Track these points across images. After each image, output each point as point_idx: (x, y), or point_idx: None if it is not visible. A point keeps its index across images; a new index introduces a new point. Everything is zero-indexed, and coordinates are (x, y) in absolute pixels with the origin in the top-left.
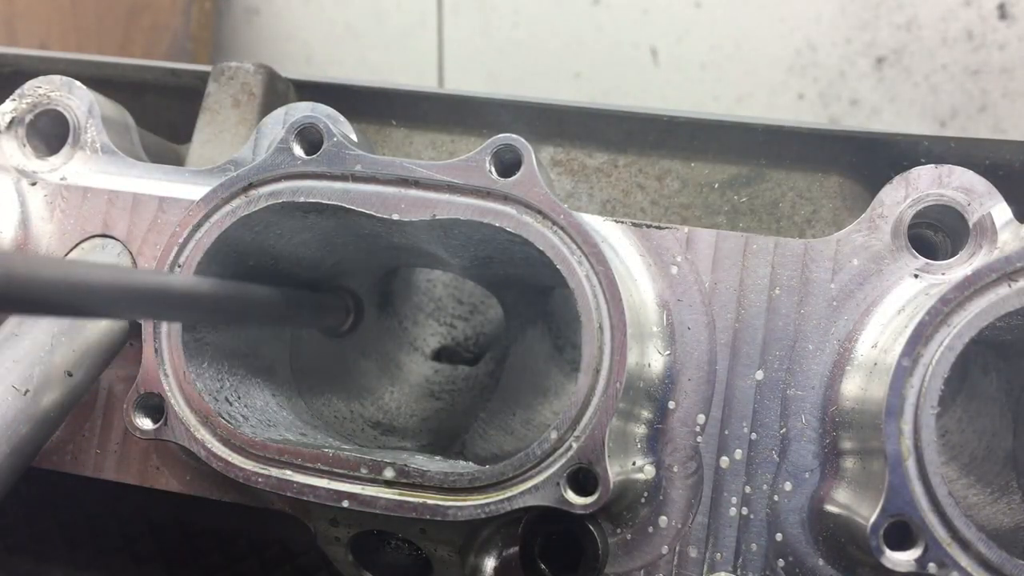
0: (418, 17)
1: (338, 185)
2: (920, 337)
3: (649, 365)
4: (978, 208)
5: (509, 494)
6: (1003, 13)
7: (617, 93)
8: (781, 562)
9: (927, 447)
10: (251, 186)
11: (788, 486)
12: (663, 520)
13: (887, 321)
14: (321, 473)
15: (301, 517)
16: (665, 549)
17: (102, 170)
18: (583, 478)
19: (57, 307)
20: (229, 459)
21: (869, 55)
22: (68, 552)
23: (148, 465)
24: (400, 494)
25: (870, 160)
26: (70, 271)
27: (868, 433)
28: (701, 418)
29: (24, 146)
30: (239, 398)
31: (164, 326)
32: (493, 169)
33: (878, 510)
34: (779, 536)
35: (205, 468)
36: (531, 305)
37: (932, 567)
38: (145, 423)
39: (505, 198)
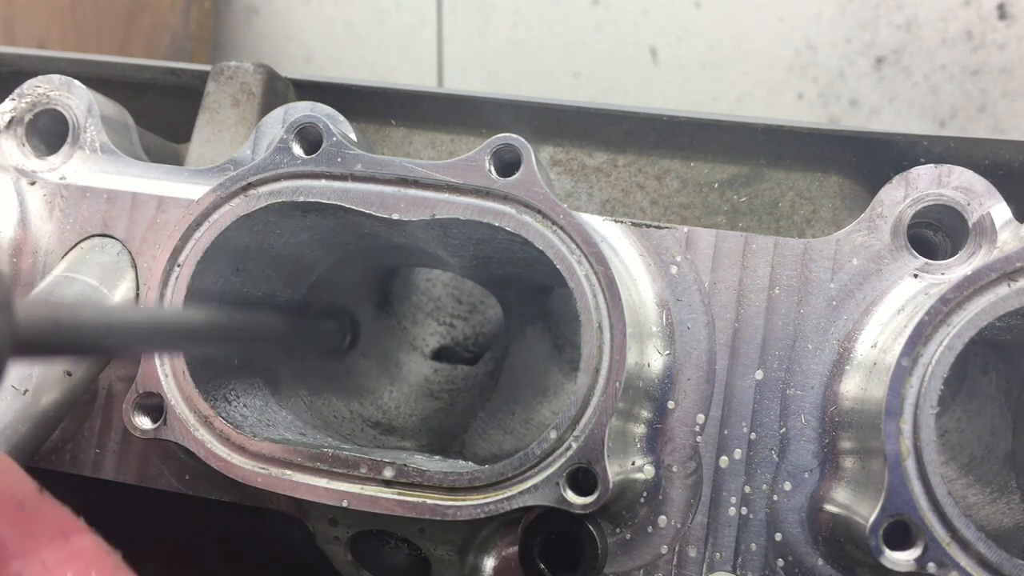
0: (418, 17)
1: (338, 185)
2: (920, 337)
3: (648, 365)
4: (978, 208)
5: (508, 494)
6: (1003, 13)
7: (617, 93)
8: (780, 562)
9: (926, 447)
10: (250, 186)
11: (787, 486)
12: (662, 520)
13: (886, 321)
14: (320, 473)
15: (300, 517)
16: (664, 549)
17: (101, 170)
18: (582, 478)
19: (47, 349)
20: (228, 459)
21: (868, 55)
22: None
23: (147, 465)
24: (399, 494)
25: (870, 160)
26: (58, 313)
27: (867, 433)
28: (700, 418)
29: (23, 145)
30: (238, 397)
31: None
32: (492, 169)
33: (877, 510)
34: (778, 536)
35: (204, 468)
36: (530, 305)
37: (931, 567)
38: (144, 423)
39: (504, 198)
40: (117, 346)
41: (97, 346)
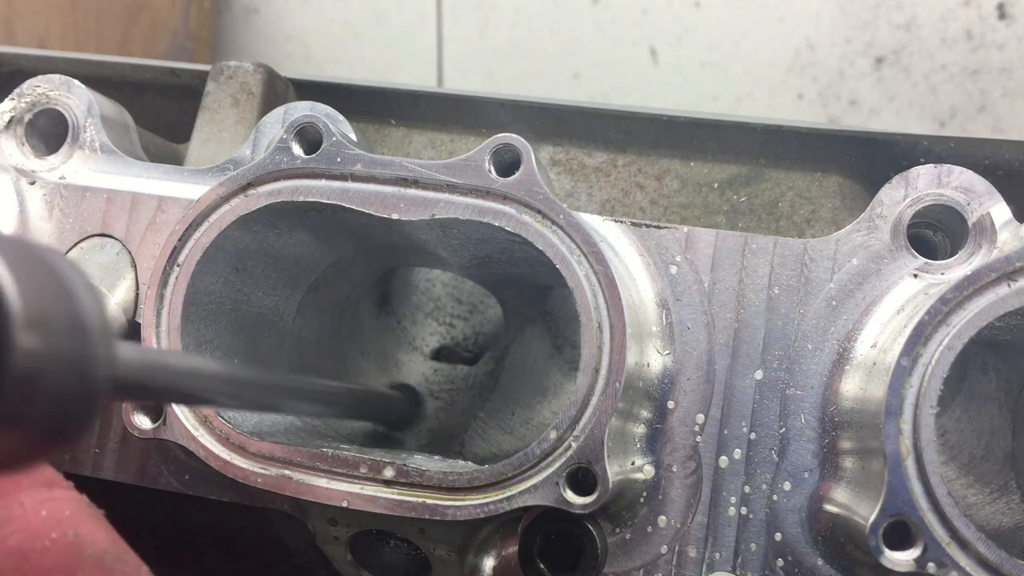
0: (417, 17)
1: (337, 184)
2: (919, 337)
3: (648, 365)
4: (977, 208)
5: (508, 494)
6: (1002, 13)
7: (616, 93)
8: (780, 562)
9: (926, 447)
10: (250, 185)
11: (787, 486)
12: (662, 520)
13: (886, 321)
14: (320, 472)
15: (300, 517)
16: (664, 549)
17: (101, 169)
18: (582, 478)
19: (137, 392)
20: (228, 459)
21: (868, 55)
22: None
23: (147, 465)
24: (399, 493)
25: (870, 160)
26: (149, 357)
27: (867, 433)
28: (700, 418)
29: (23, 145)
30: None
31: (164, 323)
32: (492, 168)
33: (877, 510)
34: (778, 536)
35: (204, 468)
36: (530, 304)
37: (931, 567)
38: (144, 423)
39: (504, 197)
40: (204, 398)
41: (185, 395)
